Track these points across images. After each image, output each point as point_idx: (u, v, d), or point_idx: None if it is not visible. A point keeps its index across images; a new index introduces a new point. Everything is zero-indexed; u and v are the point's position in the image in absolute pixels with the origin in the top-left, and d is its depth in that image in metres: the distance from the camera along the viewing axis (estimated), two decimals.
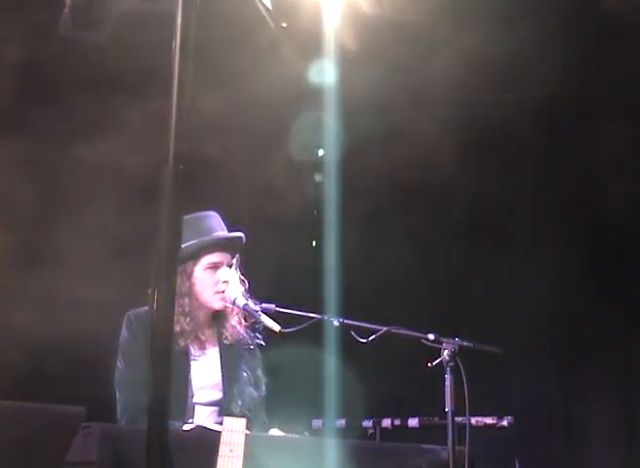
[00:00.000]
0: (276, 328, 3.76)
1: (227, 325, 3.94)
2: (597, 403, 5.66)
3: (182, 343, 3.84)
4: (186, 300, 3.86)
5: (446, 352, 3.60)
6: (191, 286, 3.89)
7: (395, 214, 6.06)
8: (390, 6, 5.18)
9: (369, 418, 5.32)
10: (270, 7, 4.53)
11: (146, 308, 3.76)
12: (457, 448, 3.54)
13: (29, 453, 2.46)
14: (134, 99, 4.78)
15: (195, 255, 3.89)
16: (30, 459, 2.46)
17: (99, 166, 4.87)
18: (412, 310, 5.23)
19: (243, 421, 2.94)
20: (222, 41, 4.94)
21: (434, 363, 3.61)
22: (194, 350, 3.90)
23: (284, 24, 4.76)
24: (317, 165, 6.03)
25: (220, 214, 4.03)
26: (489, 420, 4.99)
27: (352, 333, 3.71)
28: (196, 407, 3.83)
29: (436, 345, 3.64)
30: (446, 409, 3.58)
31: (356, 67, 5.27)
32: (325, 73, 5.29)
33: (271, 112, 5.39)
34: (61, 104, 5.00)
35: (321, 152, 6.00)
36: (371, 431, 5.27)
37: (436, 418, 5.03)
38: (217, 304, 3.91)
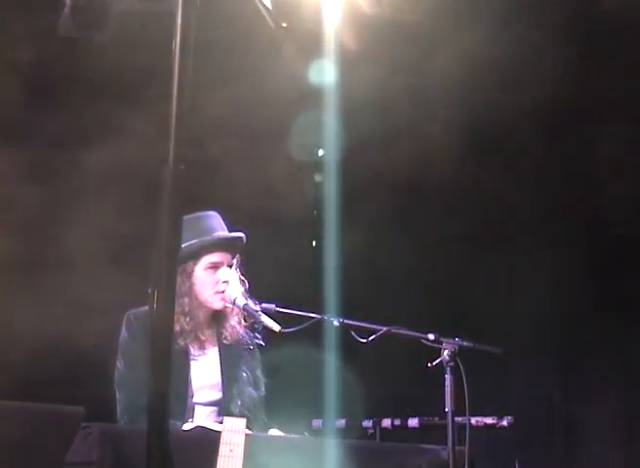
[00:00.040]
0: (276, 328, 3.76)
1: (227, 325, 3.93)
2: (597, 403, 5.66)
3: (182, 343, 3.83)
4: (186, 300, 3.86)
5: (446, 352, 3.59)
6: (191, 285, 3.88)
7: (395, 214, 6.06)
8: (390, 6, 5.19)
9: (369, 418, 5.32)
10: (270, 7, 4.53)
11: (146, 308, 3.75)
12: (457, 448, 3.54)
13: (29, 453, 2.46)
14: (133, 100, 4.78)
15: (195, 255, 3.88)
16: (30, 459, 2.46)
17: (98, 166, 4.87)
18: (412, 310, 5.23)
19: (243, 421, 2.93)
20: (223, 41, 4.95)
21: (434, 363, 3.61)
22: (194, 350, 3.90)
23: (284, 24, 4.76)
24: (317, 165, 6.03)
25: (220, 214, 4.03)
26: (489, 420, 5.00)
27: (352, 333, 3.71)
28: (196, 406, 3.83)
29: (436, 345, 3.64)
30: (446, 409, 3.58)
31: (356, 67, 5.27)
32: (325, 73, 5.28)
33: (271, 112, 5.39)
34: (61, 104, 5.00)
35: (321, 152, 6.01)
36: (371, 431, 5.27)
37: (436, 418, 5.04)
38: (217, 304, 3.91)
